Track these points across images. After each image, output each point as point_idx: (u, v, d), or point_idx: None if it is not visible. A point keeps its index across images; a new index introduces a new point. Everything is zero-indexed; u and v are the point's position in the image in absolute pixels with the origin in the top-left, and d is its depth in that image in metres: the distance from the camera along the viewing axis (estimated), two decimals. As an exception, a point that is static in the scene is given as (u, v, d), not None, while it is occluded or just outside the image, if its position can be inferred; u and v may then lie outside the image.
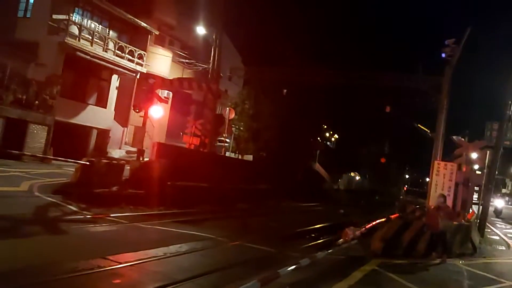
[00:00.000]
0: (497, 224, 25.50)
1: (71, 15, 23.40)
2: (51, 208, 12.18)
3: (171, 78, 26.92)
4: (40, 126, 21.82)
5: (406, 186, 78.51)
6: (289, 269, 6.36)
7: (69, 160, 16.95)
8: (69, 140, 23.60)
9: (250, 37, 37.66)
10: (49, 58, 22.68)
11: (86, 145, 25.45)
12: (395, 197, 53.48)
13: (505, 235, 19.93)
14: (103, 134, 26.52)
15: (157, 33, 29.36)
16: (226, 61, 28.48)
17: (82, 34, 23.87)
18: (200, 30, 29.79)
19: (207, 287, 7.27)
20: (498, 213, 33.81)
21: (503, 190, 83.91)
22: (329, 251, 9.00)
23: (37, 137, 21.70)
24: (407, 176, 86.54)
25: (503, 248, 16.10)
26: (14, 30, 23.48)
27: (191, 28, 31.35)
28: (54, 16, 22.95)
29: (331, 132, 65.82)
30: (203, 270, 7.93)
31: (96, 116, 25.90)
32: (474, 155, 18.73)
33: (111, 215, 12.52)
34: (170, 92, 30.22)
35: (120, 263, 7.75)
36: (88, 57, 24.15)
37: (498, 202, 36.27)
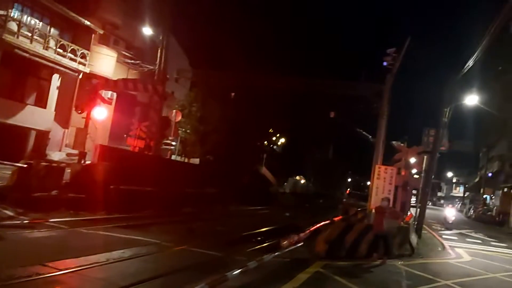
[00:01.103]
0: (433, 226, 26.77)
1: (10, 10, 22.27)
2: (-16, 213, 11.55)
3: (115, 78, 26.22)
4: (-27, 126, 20.61)
5: (349, 189, 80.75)
6: (236, 272, 6.39)
7: (4, 162, 16.10)
8: (5, 142, 22.39)
9: (198, 39, 37.46)
10: (-16, 55, 21.49)
11: (23, 147, 24.25)
12: (339, 200, 54.84)
13: (440, 237, 20.96)
14: (42, 136, 25.38)
15: (101, 32, 28.52)
16: (173, 63, 28.13)
17: (21, 31, 22.75)
18: (146, 30, 29.24)
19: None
20: (447, 224, 27.27)
21: (439, 194, 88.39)
22: (276, 253, 9.11)
23: (-30, 138, 20.48)
24: (349, 180, 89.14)
25: (439, 249, 16.90)
26: None
27: (137, 28, 30.73)
28: (-9, 11, 21.78)
29: (278, 136, 66.66)
30: (147, 276, 7.79)
31: (35, 117, 24.75)
32: (412, 160, 19.62)
33: (51, 220, 12.05)
34: (114, 93, 29.40)
35: (60, 270, 7.48)
36: (27, 55, 23.06)
37: (449, 211, 29.27)
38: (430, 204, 50.98)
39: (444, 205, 45.90)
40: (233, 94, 39.67)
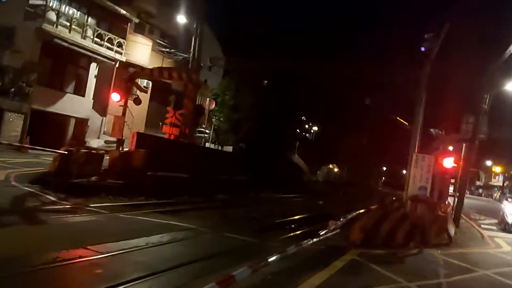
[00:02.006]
0: (471, 215, 26.12)
1: (49, 0, 22.86)
2: (29, 198, 12.00)
3: (150, 67, 26.59)
4: (16, 114, 21.39)
5: (384, 178, 79.58)
6: (276, 257, 6.44)
7: (46, 149, 16.66)
8: (46, 129, 23.22)
9: (231, 27, 37.49)
10: (26, 45, 22.17)
11: (63, 134, 25.06)
12: (373, 189, 54.19)
13: (479, 226, 20.45)
14: (81, 123, 26.13)
15: (136, 21, 28.95)
16: (207, 51, 28.26)
17: (60, 20, 23.40)
18: (181, 19, 29.47)
19: (190, 276, 7.27)
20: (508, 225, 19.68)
21: (477, 183, 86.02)
22: (314, 240, 9.09)
23: (13, 125, 21.28)
24: (384, 168, 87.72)
25: (478, 238, 16.51)
26: (-11, 15, 22.84)
27: (171, 16, 30.98)
28: (31, 1, 22.44)
29: (311, 124, 66.21)
30: (186, 260, 7.94)
31: (74, 105, 25.48)
32: (450, 148, 19.14)
33: (91, 205, 12.38)
34: (150, 82, 29.87)
35: (102, 253, 7.68)
36: (66, 44, 23.70)
37: (510, 208, 20.85)
38: (468, 193, 49.71)
39: (501, 198, 39.33)
40: (265, 81, 39.56)
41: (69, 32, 23.78)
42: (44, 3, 22.47)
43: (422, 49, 20.92)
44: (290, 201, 25.80)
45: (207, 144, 29.78)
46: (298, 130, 56.76)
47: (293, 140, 50.35)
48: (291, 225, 16.19)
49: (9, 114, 21.09)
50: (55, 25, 22.99)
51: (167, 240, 9.58)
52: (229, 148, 33.61)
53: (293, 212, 18.99)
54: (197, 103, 26.29)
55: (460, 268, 10.20)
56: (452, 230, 15.19)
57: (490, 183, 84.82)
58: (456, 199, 18.72)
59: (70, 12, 24.60)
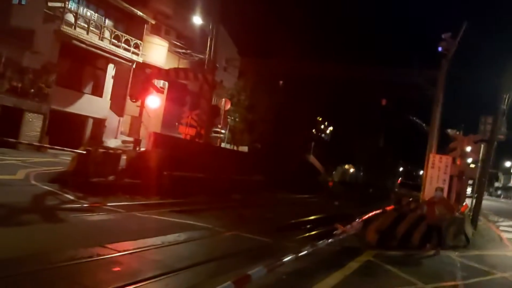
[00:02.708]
0: (489, 217, 25.74)
1: (67, 2, 23.21)
2: (48, 197, 12.20)
3: (167, 68, 26.82)
4: (35, 114, 21.75)
5: (400, 178, 78.80)
6: (291, 257, 6.45)
7: (64, 149, 16.90)
8: (65, 129, 23.55)
9: (246, 28, 37.53)
10: (45, 46, 22.52)
11: (81, 134, 25.39)
12: (389, 190, 53.67)
13: (498, 228, 20.14)
14: (99, 124, 26.45)
15: (153, 22, 29.20)
16: (222, 52, 28.39)
17: (78, 22, 23.74)
18: (197, 20, 29.67)
19: (206, 275, 7.33)
20: None
21: (496, 184, 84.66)
22: (329, 240, 9.08)
23: (33, 125, 21.64)
24: (401, 169, 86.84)
25: (496, 240, 16.27)
26: (9, 17, 23.16)
27: (187, 17, 31.20)
28: (50, 4, 22.74)
29: (326, 125, 65.92)
30: (202, 259, 8.03)
31: (92, 105, 25.82)
32: (468, 149, 18.89)
33: (108, 204, 12.56)
34: (166, 82, 30.11)
35: (119, 252, 7.81)
36: (84, 45, 24.03)
37: None
38: (486, 194, 48.96)
39: None
40: (281, 82, 39.56)
41: (87, 33, 24.11)
42: (63, 5, 22.81)
43: (440, 49, 20.72)
44: (306, 202, 25.80)
45: (223, 144, 29.90)
46: (313, 131, 56.59)
47: (308, 141, 50.24)
48: (307, 225, 16.21)
49: (29, 115, 21.46)
50: (73, 27, 23.33)
51: (183, 239, 9.67)
52: (244, 148, 33.68)
53: (309, 212, 18.99)
54: (212, 103, 26.43)
55: (478, 271, 10.07)
56: (469, 232, 15.00)
57: (509, 184, 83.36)
58: (474, 201, 18.47)
59: (88, 14, 24.96)
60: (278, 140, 34.87)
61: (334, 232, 10.34)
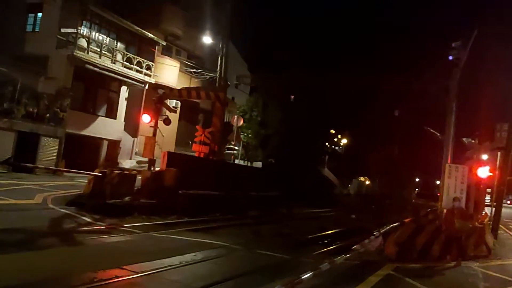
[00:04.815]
0: (510, 226, 25.23)
1: (79, 28, 23.67)
2: (65, 220, 12.32)
3: (179, 87, 27.09)
4: (51, 138, 22.08)
5: (417, 189, 77.83)
6: (310, 274, 6.38)
7: (81, 171, 17.08)
8: (80, 152, 23.84)
9: (256, 45, 37.88)
10: (59, 71, 22.95)
11: (97, 157, 25.66)
12: (407, 201, 53.04)
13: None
14: (114, 145, 26.73)
15: (164, 43, 29.62)
16: (233, 69, 28.62)
17: (91, 46, 24.17)
18: (206, 39, 30.07)
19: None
20: None
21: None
22: (348, 255, 8.98)
23: (49, 149, 21.95)
24: (417, 179, 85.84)
25: (518, 249, 15.94)
26: (23, 44, 23.77)
27: (197, 37, 31.64)
28: (63, 30, 23.24)
29: (340, 137, 65.68)
30: (220, 278, 7.97)
31: (107, 127, 26.12)
32: (485, 157, 18.64)
33: (125, 225, 12.63)
34: (179, 102, 30.40)
35: (137, 273, 7.81)
36: (97, 69, 24.43)
37: None
38: (508, 203, 47.96)
39: None
40: (292, 96, 39.66)
41: (100, 57, 24.52)
42: (75, 31, 23.27)
43: (450, 58, 20.59)
44: (322, 216, 25.57)
45: (237, 161, 29.95)
46: (327, 144, 56.40)
47: (322, 154, 50.05)
48: (324, 240, 16.04)
49: (45, 139, 21.80)
50: (86, 52, 23.76)
51: (200, 258, 9.65)
52: (258, 164, 33.68)
53: (326, 227, 18.84)
54: (225, 120, 26.57)
55: (500, 281, 9.87)
56: (490, 241, 14.71)
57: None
58: (494, 210, 18.16)
59: (100, 38, 25.41)
60: (292, 154, 34.80)
61: (353, 247, 10.23)
